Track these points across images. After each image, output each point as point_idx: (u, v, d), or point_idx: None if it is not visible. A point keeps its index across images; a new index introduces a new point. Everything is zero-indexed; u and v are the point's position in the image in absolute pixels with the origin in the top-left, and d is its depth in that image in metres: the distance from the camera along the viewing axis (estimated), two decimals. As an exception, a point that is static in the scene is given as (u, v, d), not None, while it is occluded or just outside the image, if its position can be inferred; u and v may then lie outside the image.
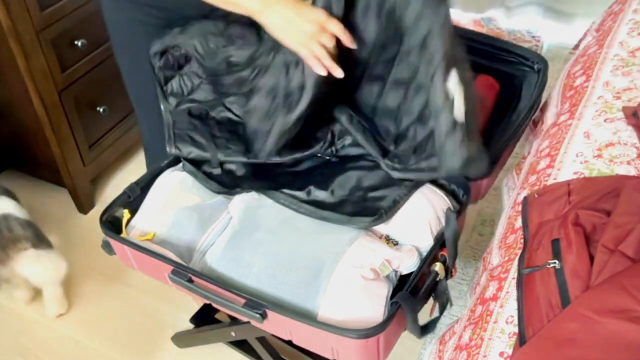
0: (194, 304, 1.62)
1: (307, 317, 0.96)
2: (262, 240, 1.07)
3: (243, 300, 0.98)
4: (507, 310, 0.91)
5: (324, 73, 1.01)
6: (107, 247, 1.18)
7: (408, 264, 1.02)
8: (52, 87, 1.69)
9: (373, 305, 0.96)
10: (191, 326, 1.62)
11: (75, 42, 1.71)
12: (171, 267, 1.06)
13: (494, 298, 0.96)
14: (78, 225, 1.94)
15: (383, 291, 0.98)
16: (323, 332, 0.93)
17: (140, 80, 1.31)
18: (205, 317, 1.61)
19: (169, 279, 1.06)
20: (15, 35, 1.55)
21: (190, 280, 1.04)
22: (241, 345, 1.51)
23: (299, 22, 0.98)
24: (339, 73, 1.01)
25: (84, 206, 1.97)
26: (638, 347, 0.73)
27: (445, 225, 1.08)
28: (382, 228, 1.08)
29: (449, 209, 1.11)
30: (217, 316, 1.58)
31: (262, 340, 1.36)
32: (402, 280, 1.03)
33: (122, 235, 1.16)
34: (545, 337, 0.80)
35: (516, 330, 0.87)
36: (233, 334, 1.32)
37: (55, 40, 1.66)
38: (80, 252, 1.85)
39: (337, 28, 0.99)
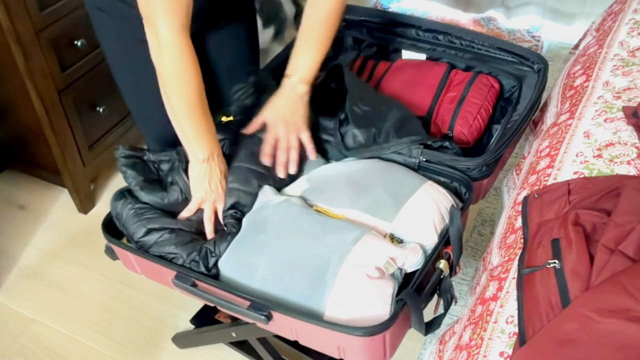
0: (195, 305, 1.62)
1: (313, 317, 0.96)
2: (267, 242, 1.07)
3: (248, 303, 0.98)
4: (507, 310, 0.91)
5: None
6: (110, 252, 1.18)
7: (413, 262, 1.02)
8: (51, 87, 1.69)
9: (379, 304, 0.96)
10: (192, 326, 1.62)
11: (75, 42, 1.71)
12: (175, 272, 1.06)
13: (494, 298, 0.96)
14: (78, 225, 1.94)
15: (388, 289, 0.98)
16: (329, 332, 0.93)
17: (143, 95, 1.30)
18: (205, 318, 1.61)
19: (173, 283, 1.06)
20: (15, 35, 1.55)
21: (194, 285, 1.04)
22: (241, 345, 1.51)
23: (214, 191, 1.15)
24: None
25: (84, 206, 1.97)
26: (638, 347, 0.73)
27: (450, 222, 1.08)
28: (386, 226, 1.08)
29: (452, 206, 1.11)
30: (217, 317, 1.58)
31: (263, 340, 1.37)
32: (407, 278, 1.03)
33: (124, 241, 1.16)
34: (545, 337, 0.80)
35: (516, 330, 0.87)
36: (234, 334, 1.32)
37: (55, 40, 1.66)
38: (80, 252, 1.85)
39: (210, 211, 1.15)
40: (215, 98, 1.33)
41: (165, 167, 1.20)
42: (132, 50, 1.18)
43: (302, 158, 1.25)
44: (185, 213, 1.15)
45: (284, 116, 1.20)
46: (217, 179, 1.14)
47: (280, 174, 1.20)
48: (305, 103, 1.21)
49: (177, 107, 1.08)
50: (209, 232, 1.14)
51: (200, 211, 1.16)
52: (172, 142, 1.19)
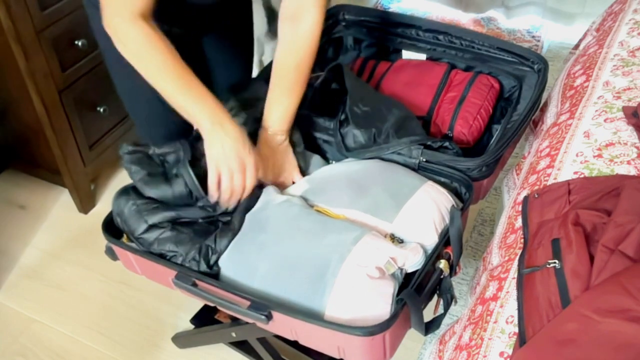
0: (195, 305, 1.62)
1: (313, 316, 0.96)
2: (267, 242, 1.07)
3: (248, 302, 0.99)
4: (507, 310, 0.91)
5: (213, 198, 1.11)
6: (110, 253, 1.18)
7: (413, 262, 1.02)
8: (52, 87, 1.69)
9: (379, 304, 0.97)
10: (192, 326, 1.62)
11: (76, 42, 1.71)
12: (175, 272, 1.06)
13: (494, 298, 0.96)
14: (78, 225, 1.94)
15: (389, 289, 0.98)
16: (329, 331, 0.93)
17: (140, 97, 1.29)
18: (205, 318, 1.61)
19: (174, 283, 1.06)
20: (16, 35, 1.55)
21: (195, 284, 1.04)
22: (241, 345, 1.51)
23: (230, 155, 1.08)
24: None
25: (84, 206, 1.97)
26: (638, 347, 0.73)
27: (450, 222, 1.08)
28: (387, 227, 1.09)
29: (453, 206, 1.11)
30: (217, 317, 1.58)
31: (263, 340, 1.37)
32: (407, 278, 1.03)
33: (123, 240, 1.16)
34: (545, 337, 0.80)
35: (516, 330, 0.87)
36: (234, 334, 1.32)
37: (56, 40, 1.66)
38: (80, 252, 1.85)
39: (250, 181, 1.11)
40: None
41: (171, 158, 1.18)
42: None
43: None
44: (211, 186, 1.10)
45: (272, 169, 1.20)
46: (230, 143, 1.08)
47: None
48: (287, 147, 1.21)
49: (162, 87, 1.07)
50: (224, 201, 1.10)
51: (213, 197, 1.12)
52: (167, 142, 1.19)
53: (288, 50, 1.17)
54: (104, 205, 2.00)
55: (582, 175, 1.08)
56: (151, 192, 1.13)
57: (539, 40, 2.64)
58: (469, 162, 1.18)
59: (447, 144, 1.22)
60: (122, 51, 1.05)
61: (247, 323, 1.14)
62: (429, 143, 1.21)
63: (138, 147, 1.17)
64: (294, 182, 1.23)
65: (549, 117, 1.37)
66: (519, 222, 1.08)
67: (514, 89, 1.43)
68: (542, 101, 1.46)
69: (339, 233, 1.04)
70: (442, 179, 1.20)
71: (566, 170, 1.11)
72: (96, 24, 1.26)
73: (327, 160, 1.30)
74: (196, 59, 1.30)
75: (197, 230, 1.14)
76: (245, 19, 1.40)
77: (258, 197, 1.15)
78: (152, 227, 1.10)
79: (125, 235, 1.16)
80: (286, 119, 1.19)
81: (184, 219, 1.13)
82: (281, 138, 1.20)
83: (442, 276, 1.03)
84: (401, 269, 1.02)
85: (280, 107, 1.18)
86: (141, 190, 1.14)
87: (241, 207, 1.13)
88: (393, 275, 1.01)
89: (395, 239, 1.08)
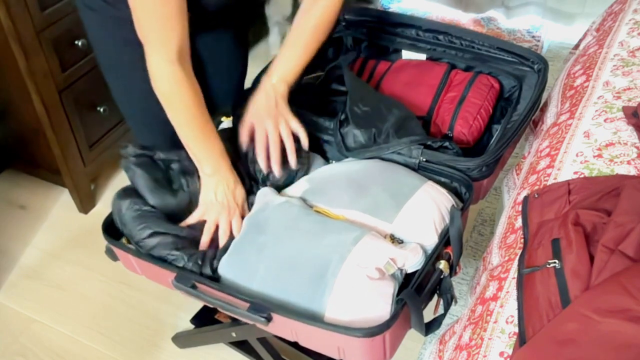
0: (195, 305, 1.62)
1: (313, 317, 0.96)
2: (267, 244, 1.06)
3: (247, 304, 0.98)
4: (507, 310, 0.91)
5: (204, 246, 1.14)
6: (110, 253, 1.18)
7: (413, 262, 1.02)
8: (52, 87, 1.69)
9: (379, 304, 0.96)
10: (192, 326, 1.62)
11: (76, 42, 1.71)
12: (175, 273, 1.06)
13: (494, 298, 0.96)
14: (78, 225, 1.95)
15: (389, 290, 0.98)
16: (329, 333, 0.93)
17: (134, 99, 1.29)
18: (205, 318, 1.61)
19: (173, 285, 1.06)
20: (16, 35, 1.55)
21: (194, 287, 1.04)
22: (241, 345, 1.51)
23: (222, 202, 1.14)
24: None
25: (84, 206, 1.97)
26: (638, 346, 0.73)
27: (450, 222, 1.08)
28: (386, 227, 1.09)
29: (453, 206, 1.11)
30: (217, 317, 1.58)
31: (263, 340, 1.37)
32: (407, 278, 1.03)
33: (123, 241, 1.16)
34: (545, 337, 0.80)
35: (516, 330, 0.87)
36: (234, 334, 1.32)
37: (56, 40, 1.66)
38: (80, 252, 1.86)
39: (234, 228, 1.15)
40: (207, 94, 1.32)
41: (175, 166, 1.19)
42: (120, 50, 1.17)
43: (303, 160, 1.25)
44: (190, 220, 1.15)
45: (267, 110, 1.18)
46: (223, 191, 1.14)
47: (277, 172, 1.18)
48: (286, 101, 1.20)
49: (179, 129, 1.11)
50: (203, 242, 1.13)
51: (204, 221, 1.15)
52: (162, 145, 1.19)
53: (307, 12, 1.20)
54: (104, 205, 2.00)
55: (582, 175, 1.08)
56: (154, 201, 1.13)
57: (539, 40, 2.64)
58: (469, 162, 1.18)
59: (447, 144, 1.22)
60: (154, 87, 1.09)
61: (247, 323, 1.14)
62: (429, 143, 1.21)
63: (144, 151, 1.17)
64: (296, 149, 1.20)
65: (549, 117, 1.37)
66: (519, 222, 1.08)
67: (514, 89, 1.43)
68: (542, 101, 1.46)
69: (339, 233, 1.04)
70: (442, 179, 1.20)
71: (566, 170, 1.11)
72: (87, 24, 1.26)
73: (327, 160, 1.30)
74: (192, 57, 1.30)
75: (199, 236, 1.14)
76: (245, 18, 1.40)
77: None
78: (154, 234, 1.10)
79: (125, 237, 1.17)
80: (293, 70, 1.20)
81: (185, 235, 1.13)
82: (283, 87, 1.19)
83: (442, 276, 1.03)
84: (401, 270, 1.02)
85: (289, 59, 1.20)
86: (143, 195, 1.14)
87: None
88: (393, 275, 1.01)
89: (395, 240, 1.08)
